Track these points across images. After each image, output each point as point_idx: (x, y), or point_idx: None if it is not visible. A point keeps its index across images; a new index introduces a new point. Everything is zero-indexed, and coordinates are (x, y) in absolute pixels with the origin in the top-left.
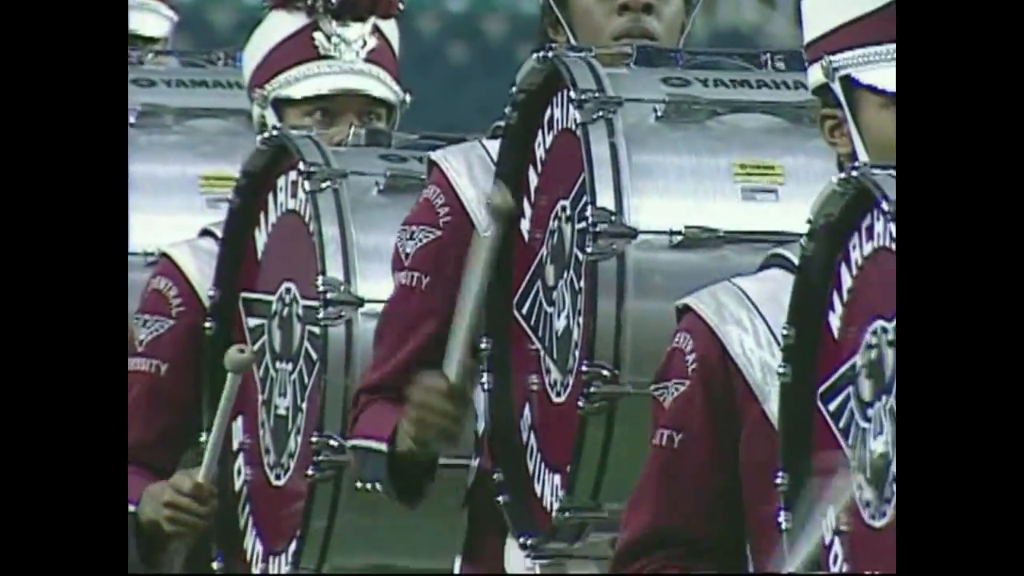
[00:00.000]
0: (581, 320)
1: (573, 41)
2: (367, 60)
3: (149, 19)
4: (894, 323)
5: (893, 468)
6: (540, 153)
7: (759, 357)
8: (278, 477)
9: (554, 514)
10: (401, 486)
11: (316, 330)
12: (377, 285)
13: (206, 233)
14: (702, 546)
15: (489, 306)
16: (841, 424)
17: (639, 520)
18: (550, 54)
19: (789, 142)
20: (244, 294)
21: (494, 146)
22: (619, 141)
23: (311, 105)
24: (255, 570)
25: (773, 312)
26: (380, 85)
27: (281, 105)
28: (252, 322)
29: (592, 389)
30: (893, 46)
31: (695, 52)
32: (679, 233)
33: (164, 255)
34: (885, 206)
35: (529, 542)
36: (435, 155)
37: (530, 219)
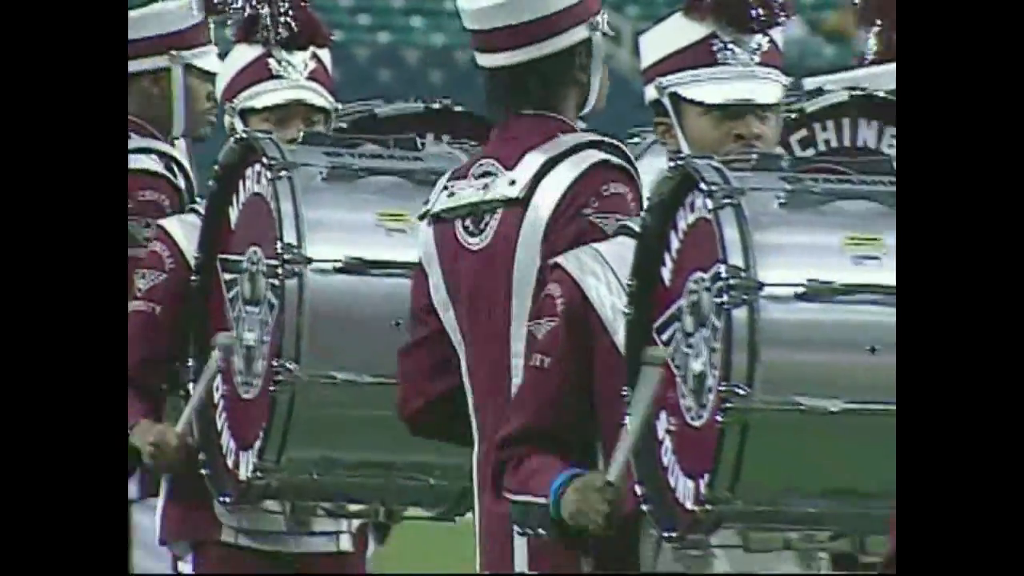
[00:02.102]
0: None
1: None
2: (308, 78)
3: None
4: (709, 272)
5: (708, 381)
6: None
7: (610, 301)
8: (247, 391)
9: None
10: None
11: (276, 282)
12: (320, 248)
13: (192, 211)
14: (562, 441)
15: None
16: (671, 351)
17: (516, 421)
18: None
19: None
20: (221, 255)
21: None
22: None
23: (268, 113)
24: (229, 461)
25: (620, 267)
26: (319, 97)
27: (246, 114)
28: (227, 276)
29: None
30: (707, 69)
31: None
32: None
33: (159, 226)
34: (703, 186)
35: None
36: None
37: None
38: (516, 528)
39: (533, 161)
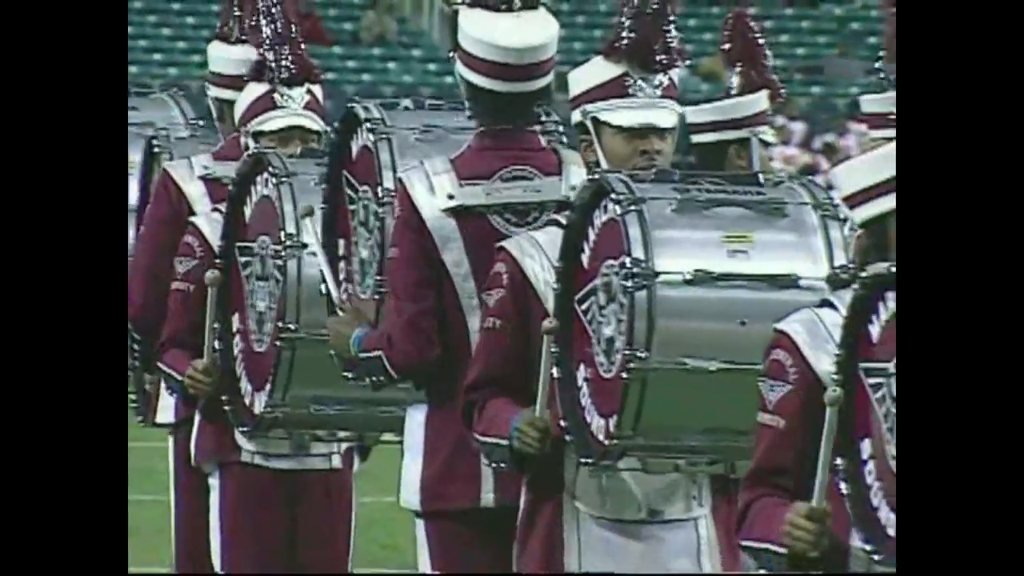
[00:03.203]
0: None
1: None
2: (305, 108)
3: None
4: (618, 261)
5: (616, 344)
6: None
7: (543, 277)
8: (259, 346)
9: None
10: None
11: (280, 263)
12: (312, 237)
13: (216, 210)
14: (511, 385)
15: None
16: (588, 318)
17: (475, 370)
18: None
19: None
20: (238, 244)
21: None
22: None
23: (274, 135)
24: (247, 400)
25: (551, 251)
26: (313, 123)
27: (256, 136)
28: (243, 259)
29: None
30: (621, 100)
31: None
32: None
33: (191, 223)
34: (613, 195)
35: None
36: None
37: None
38: (483, 461)
39: (577, 173)
